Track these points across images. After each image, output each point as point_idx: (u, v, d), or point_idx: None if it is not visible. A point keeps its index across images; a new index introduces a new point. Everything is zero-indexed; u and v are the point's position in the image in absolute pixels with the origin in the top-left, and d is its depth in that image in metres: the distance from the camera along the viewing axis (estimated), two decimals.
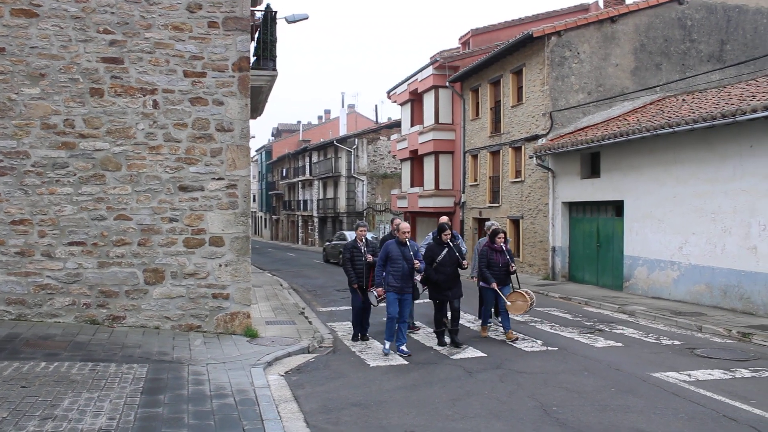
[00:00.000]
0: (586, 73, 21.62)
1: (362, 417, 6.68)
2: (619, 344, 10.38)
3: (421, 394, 7.60)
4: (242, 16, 11.00)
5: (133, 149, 10.60)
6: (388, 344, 9.89)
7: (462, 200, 28.93)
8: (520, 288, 11.34)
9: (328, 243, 33.15)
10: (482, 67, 26.11)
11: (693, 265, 15.09)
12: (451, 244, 10.42)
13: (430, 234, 11.42)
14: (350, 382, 8.19)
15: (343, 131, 50.77)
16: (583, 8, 28.53)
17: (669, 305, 14.60)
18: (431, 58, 30.41)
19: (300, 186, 58.17)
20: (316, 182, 52.65)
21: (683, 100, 18.75)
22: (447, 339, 10.51)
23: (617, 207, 18.25)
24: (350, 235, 43.04)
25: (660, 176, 16.24)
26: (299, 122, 75.07)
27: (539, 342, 10.58)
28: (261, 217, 78.12)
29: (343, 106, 56.68)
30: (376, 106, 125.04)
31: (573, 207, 20.44)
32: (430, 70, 29.96)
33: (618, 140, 16.89)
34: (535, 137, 22.19)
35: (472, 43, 30.78)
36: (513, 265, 11.11)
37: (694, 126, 14.25)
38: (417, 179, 33.19)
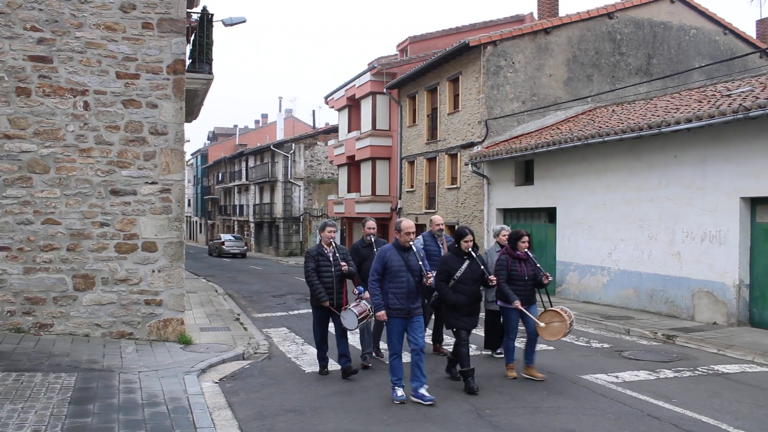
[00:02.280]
0: (521, 83, 22.08)
1: (297, 423, 6.65)
2: (551, 348, 10.61)
3: (357, 399, 7.61)
4: (178, 18, 10.85)
5: (62, 151, 10.29)
6: (399, 390, 7.38)
7: (399, 206, 29.10)
8: (551, 305, 8.69)
9: (211, 241, 49.19)
10: (419, 75, 26.37)
11: (622, 270, 15.58)
12: (474, 254, 8.12)
13: (423, 235, 10.17)
14: (285, 388, 8.13)
15: (280, 136, 50.43)
16: (519, 19, 29.16)
17: (599, 309, 15.03)
18: (369, 64, 30.58)
19: (236, 191, 57.51)
20: (252, 187, 52.14)
21: (613, 110, 19.36)
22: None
23: (550, 213, 18.68)
24: (226, 238, 43.79)
25: (591, 184, 16.70)
26: (236, 126, 74.24)
27: (473, 347, 10.73)
28: (196, 221, 76.91)
29: (280, 111, 56.34)
30: (313, 111, 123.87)
31: (507, 213, 20.81)
32: (367, 77, 30.09)
33: (551, 149, 17.30)
34: (471, 144, 22.53)
35: (410, 50, 31.07)
36: (547, 275, 8.55)
37: (623, 136, 14.73)
38: (354, 185, 33.26)
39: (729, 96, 14.34)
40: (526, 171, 20.12)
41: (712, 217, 13.32)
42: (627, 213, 15.37)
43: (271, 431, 6.37)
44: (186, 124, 11.50)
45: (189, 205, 75.08)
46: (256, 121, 76.90)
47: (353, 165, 33.32)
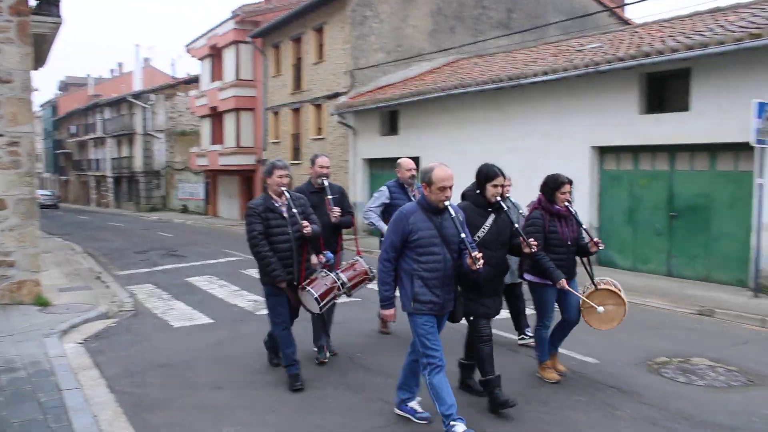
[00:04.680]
0: (386, 34, 22.19)
1: (169, 377, 6.56)
2: None
3: (228, 350, 7.59)
4: None
5: None
6: (414, 401, 5.37)
7: (264, 158, 28.73)
8: (594, 279, 6.20)
9: None
10: (284, 24, 25.87)
11: None
12: (505, 206, 5.46)
13: (388, 185, 8.07)
14: (154, 344, 7.96)
15: (138, 86, 47.95)
16: None
17: None
18: (232, 11, 29.59)
19: (92, 144, 54.43)
20: (109, 140, 49.52)
21: (475, 62, 19.93)
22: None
23: (415, 163, 19.08)
24: (41, 192, 42.45)
25: (454, 134, 17.19)
26: (89, 76, 69.69)
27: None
28: (48, 178, 72.32)
29: (137, 60, 53.48)
30: (173, 60, 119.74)
31: (373, 163, 21.09)
32: (230, 25, 29.17)
33: (415, 99, 17.63)
34: (337, 95, 22.51)
35: None
36: (597, 240, 6.04)
37: (484, 87, 15.24)
38: (217, 137, 32.41)
39: (581, 51, 15.12)
40: (391, 121, 20.41)
41: (566, 166, 14.08)
42: (489, 162, 15.96)
43: (142, 387, 6.24)
44: (34, 72, 10.72)
45: (39, 160, 70.38)
46: (112, 71, 72.70)
47: (216, 116, 32.40)
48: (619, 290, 6.12)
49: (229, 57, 30.22)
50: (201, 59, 33.85)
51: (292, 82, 26.40)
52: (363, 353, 7.35)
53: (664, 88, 12.91)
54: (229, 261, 15.59)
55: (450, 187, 4.89)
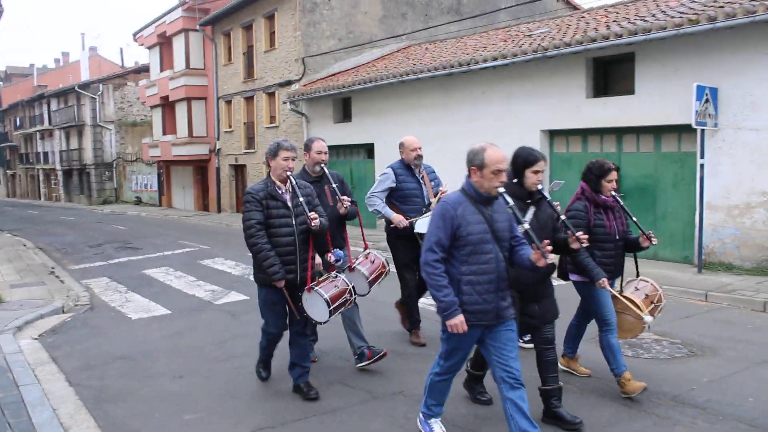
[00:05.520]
0: (337, 20, 22.18)
1: (128, 369, 6.58)
2: None
3: (188, 340, 7.64)
4: None
5: None
6: (433, 425, 4.62)
7: (217, 147, 28.50)
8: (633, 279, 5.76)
9: None
10: (234, 11, 25.65)
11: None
12: (547, 196, 4.76)
13: (393, 166, 7.02)
14: (112, 337, 7.95)
15: (85, 76, 46.84)
16: None
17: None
18: None
19: (38, 137, 53.08)
20: (57, 132, 48.37)
21: (426, 48, 20.09)
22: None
23: (368, 149, 19.23)
24: None
25: (407, 119, 17.34)
26: (33, 66, 67.96)
27: None
28: None
29: (84, 49, 52.17)
30: (121, 49, 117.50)
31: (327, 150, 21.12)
32: (179, 12, 28.74)
33: (367, 86, 17.72)
34: (289, 83, 22.47)
35: None
36: (650, 234, 5.32)
37: (435, 73, 15.42)
38: (169, 127, 31.97)
39: (530, 36, 15.38)
40: (344, 108, 20.48)
41: None
42: (442, 147, 16.14)
43: (101, 380, 6.26)
44: None
45: None
46: (57, 60, 70.85)
47: (168, 106, 31.95)
48: (641, 307, 5.36)
49: (178, 45, 29.80)
50: (150, 48, 33.30)
51: (243, 70, 26.21)
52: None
53: (611, 72, 13.26)
54: (185, 252, 15.51)
55: (503, 171, 4.17)
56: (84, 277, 12.35)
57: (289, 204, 5.33)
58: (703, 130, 10.74)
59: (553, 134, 14.06)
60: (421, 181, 6.93)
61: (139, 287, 11.14)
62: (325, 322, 5.48)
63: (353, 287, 5.57)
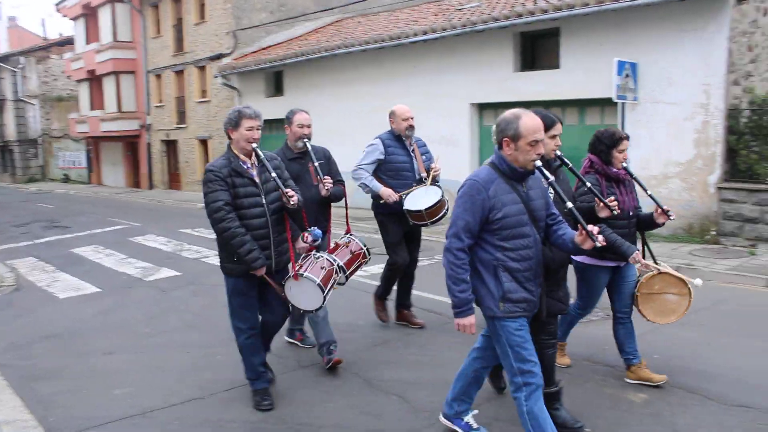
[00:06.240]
0: None
1: (57, 347, 6.53)
2: None
3: (118, 317, 7.61)
4: None
5: None
6: (469, 415, 4.24)
7: (148, 122, 27.91)
8: (655, 259, 5.14)
9: None
10: None
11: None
12: (568, 162, 4.25)
13: (381, 137, 6.50)
14: (40, 317, 7.85)
15: (4, 48, 45.01)
16: None
17: (351, 213, 15.92)
18: None
19: None
20: None
21: (359, 21, 20.07)
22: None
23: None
24: None
25: (340, 93, 17.36)
26: None
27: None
28: None
29: (1, 19, 50.07)
30: (43, 19, 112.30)
31: None
32: None
33: (299, 59, 17.64)
34: (220, 56, 22.16)
35: None
36: (667, 209, 4.95)
37: (367, 47, 15.46)
38: (97, 101, 31.07)
39: (461, 10, 15.54)
40: (276, 82, 20.34)
41: (448, 122, 14.61)
42: (375, 120, 16.22)
43: (28, 359, 6.20)
44: None
45: None
46: None
47: (95, 80, 31.00)
48: (682, 278, 4.91)
49: (104, 17, 28.88)
50: (74, 19, 32.15)
51: (173, 43, 25.66)
52: None
53: (537, 47, 13.56)
54: (115, 230, 15.26)
55: (541, 138, 3.56)
56: (8, 258, 12.04)
57: (257, 180, 4.67)
58: (623, 104, 11.14)
59: (482, 107, 14.32)
60: (412, 155, 6.40)
61: (68, 266, 10.95)
62: (317, 310, 4.94)
63: (339, 265, 5.02)
